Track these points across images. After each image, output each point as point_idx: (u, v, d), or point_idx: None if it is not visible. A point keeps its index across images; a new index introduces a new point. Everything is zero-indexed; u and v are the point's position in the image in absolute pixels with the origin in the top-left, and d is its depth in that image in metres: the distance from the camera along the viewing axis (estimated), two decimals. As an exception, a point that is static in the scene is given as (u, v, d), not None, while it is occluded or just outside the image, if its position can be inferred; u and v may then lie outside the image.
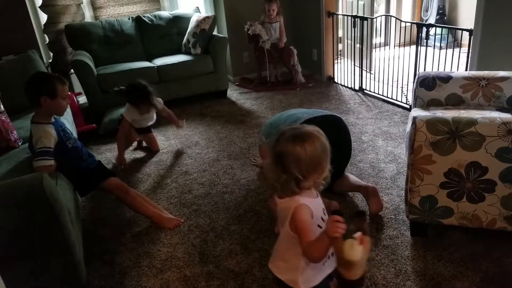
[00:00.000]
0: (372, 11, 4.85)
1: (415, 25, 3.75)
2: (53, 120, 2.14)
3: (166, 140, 3.62)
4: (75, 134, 2.81)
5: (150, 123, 3.46)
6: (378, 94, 4.20)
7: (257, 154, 3.15)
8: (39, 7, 4.34)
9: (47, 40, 4.47)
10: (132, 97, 3.19)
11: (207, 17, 4.47)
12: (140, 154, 3.39)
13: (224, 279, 1.93)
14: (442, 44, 4.98)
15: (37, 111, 2.12)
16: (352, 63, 4.69)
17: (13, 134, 2.57)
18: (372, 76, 4.61)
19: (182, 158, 3.25)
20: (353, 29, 4.37)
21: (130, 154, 3.40)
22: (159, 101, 3.33)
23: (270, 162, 1.32)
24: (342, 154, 2.52)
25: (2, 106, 2.59)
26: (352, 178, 2.49)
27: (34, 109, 2.17)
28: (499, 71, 2.45)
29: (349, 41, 4.78)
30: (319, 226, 1.30)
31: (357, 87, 4.50)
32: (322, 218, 1.33)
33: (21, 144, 2.58)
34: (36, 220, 1.62)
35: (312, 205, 1.29)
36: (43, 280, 1.74)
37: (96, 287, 1.97)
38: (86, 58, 4.07)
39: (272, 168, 1.31)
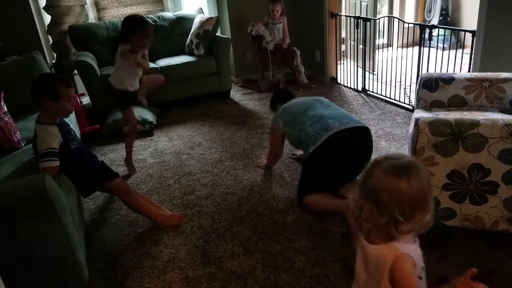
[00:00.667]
0: (375, 12, 4.84)
1: (418, 26, 3.74)
2: (58, 121, 2.15)
3: (169, 141, 3.63)
4: (78, 135, 2.82)
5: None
6: (381, 95, 4.19)
7: (259, 155, 3.15)
8: (42, 8, 4.37)
9: (51, 41, 4.49)
10: (130, 26, 2.78)
11: (211, 18, 4.48)
12: (142, 155, 3.39)
13: (226, 281, 1.93)
14: (445, 45, 4.97)
15: (42, 112, 2.12)
16: (355, 64, 4.69)
17: (16, 135, 2.58)
18: (375, 77, 4.60)
19: (185, 159, 3.26)
20: (356, 30, 4.36)
21: (133, 155, 3.40)
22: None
23: (360, 198, 1.12)
24: (365, 165, 2.47)
25: (5, 107, 2.61)
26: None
27: (38, 110, 2.18)
28: (502, 73, 2.44)
29: (352, 42, 4.78)
30: (419, 277, 1.11)
31: (360, 88, 4.49)
32: (422, 267, 1.15)
33: (24, 145, 2.60)
34: (38, 221, 1.63)
35: (413, 253, 1.11)
36: (45, 282, 1.75)
37: (99, 288, 1.98)
38: (90, 59, 4.08)
39: (363, 206, 1.10)
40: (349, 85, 4.68)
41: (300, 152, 2.98)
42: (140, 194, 2.47)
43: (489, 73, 2.47)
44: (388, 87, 4.11)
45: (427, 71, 3.63)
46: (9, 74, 3.17)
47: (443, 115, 2.33)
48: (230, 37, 4.78)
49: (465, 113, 2.35)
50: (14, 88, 2.95)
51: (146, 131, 3.87)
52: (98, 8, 4.90)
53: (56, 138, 2.06)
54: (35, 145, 2.11)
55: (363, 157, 2.39)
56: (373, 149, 3.05)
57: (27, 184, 1.64)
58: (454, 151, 1.74)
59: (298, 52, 4.70)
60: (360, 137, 2.43)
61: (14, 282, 1.13)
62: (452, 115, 2.21)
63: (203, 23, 4.46)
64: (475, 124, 1.69)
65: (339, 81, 4.88)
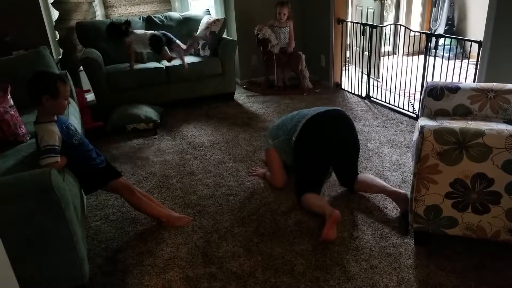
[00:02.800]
0: (381, 20, 4.86)
1: (423, 35, 3.75)
2: (55, 118, 2.15)
3: (172, 140, 3.64)
4: (79, 130, 2.82)
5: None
6: (385, 102, 4.20)
7: (257, 163, 3.16)
8: (51, 3, 4.39)
9: (58, 36, 4.51)
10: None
11: (217, 20, 4.49)
12: (145, 153, 3.40)
13: (226, 281, 1.94)
14: (450, 55, 4.99)
15: (39, 110, 2.12)
16: (360, 70, 4.70)
17: (22, 129, 2.59)
18: (379, 84, 4.61)
19: (188, 158, 3.26)
20: (362, 36, 4.38)
21: (136, 153, 3.41)
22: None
23: None
24: (353, 150, 2.57)
25: (11, 101, 2.62)
26: (377, 180, 2.49)
27: (37, 107, 2.17)
28: (508, 84, 2.45)
29: (358, 49, 4.79)
30: None
31: (364, 95, 4.50)
32: None
33: (29, 138, 2.60)
34: (42, 214, 1.64)
35: None
36: (46, 275, 1.76)
37: (99, 284, 1.98)
38: (96, 55, 4.10)
39: None
40: (353, 91, 4.69)
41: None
42: (143, 193, 2.47)
43: (494, 84, 2.48)
44: (392, 94, 4.12)
45: (432, 80, 3.64)
46: (16, 68, 3.18)
47: (447, 124, 2.34)
48: (236, 39, 4.80)
49: (470, 122, 2.36)
50: (20, 82, 2.93)
51: (150, 129, 3.88)
52: (106, 5, 4.92)
53: (55, 135, 2.06)
54: (38, 146, 2.11)
55: (347, 138, 2.53)
56: (376, 155, 3.07)
57: (33, 178, 1.65)
58: (458, 160, 1.75)
59: (304, 57, 4.71)
60: (337, 117, 2.57)
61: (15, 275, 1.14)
62: (457, 124, 2.22)
63: (210, 25, 4.47)
64: (480, 133, 1.70)
65: (343, 87, 4.89)
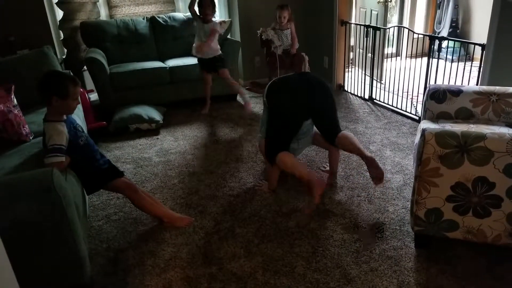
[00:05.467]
0: (385, 21, 4.85)
1: (427, 37, 3.75)
2: (64, 117, 2.16)
3: (175, 141, 3.65)
4: (85, 131, 2.83)
5: (210, 53, 4.10)
6: (388, 104, 4.20)
7: (259, 164, 3.16)
8: (55, 3, 4.41)
9: (62, 36, 4.53)
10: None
11: (224, 22, 4.50)
12: (148, 153, 3.41)
13: (227, 282, 1.94)
14: (454, 57, 4.98)
15: (48, 109, 2.14)
16: (363, 72, 4.69)
17: (25, 128, 2.60)
18: (382, 86, 4.61)
19: (190, 159, 3.27)
20: (365, 38, 4.37)
21: (139, 153, 3.43)
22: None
23: None
24: (324, 105, 2.61)
25: (15, 100, 2.63)
26: (354, 140, 2.53)
27: (46, 105, 2.19)
28: (511, 87, 2.45)
29: (361, 50, 4.79)
30: None
31: (366, 97, 4.50)
32: None
33: (32, 138, 2.62)
34: (44, 214, 1.64)
35: None
36: (48, 275, 1.76)
37: (100, 284, 1.99)
38: (100, 56, 4.12)
39: None
40: (356, 93, 4.68)
41: (328, 167, 2.97)
42: (146, 193, 2.48)
43: (497, 87, 2.48)
44: (395, 96, 4.12)
45: (435, 82, 3.63)
46: (20, 68, 3.20)
47: (449, 127, 2.33)
48: (240, 40, 4.80)
49: (472, 126, 2.35)
50: (24, 81, 2.97)
51: (153, 130, 3.89)
52: (110, 6, 4.94)
53: (63, 135, 2.07)
54: (44, 144, 2.13)
55: (313, 91, 2.56)
56: (378, 157, 3.07)
57: (35, 177, 1.66)
58: (459, 163, 1.75)
59: (307, 58, 4.71)
60: (303, 75, 2.76)
61: (15, 275, 1.14)
62: (458, 128, 2.22)
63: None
64: (481, 137, 1.70)
65: (346, 88, 4.89)
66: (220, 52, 4.21)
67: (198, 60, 4.25)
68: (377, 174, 2.39)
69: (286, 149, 2.51)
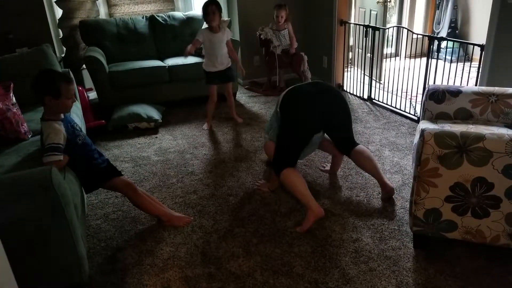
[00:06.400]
0: (384, 22, 4.86)
1: (426, 38, 3.75)
2: (62, 116, 2.16)
3: (174, 140, 3.64)
4: (84, 130, 2.83)
5: (225, 62, 3.73)
6: (387, 104, 4.20)
7: (263, 159, 3.16)
8: (55, 1, 4.41)
9: (61, 34, 4.52)
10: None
11: (223, 21, 4.49)
12: (146, 152, 3.41)
13: (225, 281, 1.94)
14: (452, 58, 4.98)
15: (45, 108, 2.13)
16: (362, 72, 4.70)
17: (24, 126, 2.59)
18: (381, 86, 4.61)
19: (189, 158, 3.27)
20: (364, 38, 4.38)
21: (137, 152, 3.42)
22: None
23: None
24: (340, 115, 2.57)
25: (14, 98, 2.63)
26: (374, 162, 2.57)
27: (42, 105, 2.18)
28: (509, 88, 2.45)
29: (360, 50, 4.79)
30: None
31: (365, 96, 4.50)
32: None
33: (31, 136, 2.61)
34: (43, 212, 1.64)
35: None
36: (46, 274, 1.76)
37: (98, 283, 1.99)
38: (99, 54, 4.11)
39: None
40: (355, 93, 4.68)
41: (328, 166, 2.97)
42: (145, 192, 2.48)
43: (496, 88, 2.48)
44: (394, 96, 4.12)
45: (434, 82, 3.63)
46: (19, 66, 3.19)
47: (448, 127, 2.34)
48: (239, 40, 4.80)
49: (471, 126, 2.36)
50: (23, 79, 2.95)
51: (151, 128, 3.89)
52: (110, 4, 4.94)
53: (61, 134, 2.06)
54: (42, 143, 2.12)
55: (331, 103, 2.52)
56: (377, 157, 3.07)
57: (34, 176, 1.66)
58: (458, 164, 1.75)
59: (306, 58, 4.71)
60: (319, 85, 2.59)
61: (14, 274, 1.14)
62: (457, 128, 2.22)
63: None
64: (480, 138, 1.70)
65: (345, 88, 4.89)
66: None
67: (208, 74, 3.79)
68: (387, 198, 2.56)
69: (294, 163, 2.46)
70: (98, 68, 3.99)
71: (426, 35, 3.90)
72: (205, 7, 3.54)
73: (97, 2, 4.67)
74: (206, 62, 3.75)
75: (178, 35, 4.70)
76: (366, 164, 2.55)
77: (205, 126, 3.90)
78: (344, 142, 2.62)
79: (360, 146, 2.58)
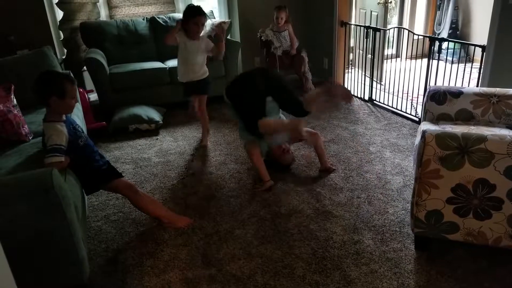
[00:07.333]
0: (385, 23, 4.85)
1: (427, 39, 3.74)
2: (64, 118, 2.16)
3: (174, 141, 3.64)
4: (85, 132, 2.83)
5: (199, 72, 3.36)
6: (387, 105, 4.20)
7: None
8: (55, 4, 4.41)
9: (62, 36, 4.52)
10: (185, 13, 3.19)
11: (224, 22, 4.49)
12: (147, 153, 3.41)
13: (226, 283, 1.94)
14: (454, 59, 4.98)
15: (47, 110, 2.13)
16: (363, 73, 4.69)
17: (24, 128, 2.59)
18: (382, 87, 4.61)
19: (189, 159, 3.27)
20: (365, 39, 4.37)
21: (138, 154, 3.42)
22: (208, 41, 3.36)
23: None
24: (278, 88, 2.82)
25: (15, 100, 2.63)
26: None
27: (44, 106, 2.18)
28: (511, 89, 2.45)
29: (361, 51, 4.78)
30: None
31: (366, 98, 4.50)
32: None
33: (32, 138, 2.61)
34: (43, 214, 1.64)
35: None
36: (46, 275, 1.76)
37: (99, 284, 1.99)
38: (99, 56, 4.11)
39: None
40: (356, 94, 4.68)
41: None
42: (146, 194, 2.48)
43: (497, 89, 2.48)
44: (395, 98, 4.12)
45: (435, 83, 3.63)
46: (20, 68, 3.19)
47: (450, 128, 2.33)
48: (240, 41, 4.80)
49: (472, 127, 2.35)
50: (24, 81, 2.95)
51: (152, 130, 3.89)
52: (110, 6, 4.94)
53: (63, 135, 2.06)
54: (44, 144, 2.12)
55: (270, 77, 2.85)
56: (378, 159, 3.07)
57: (34, 177, 1.65)
58: (460, 165, 1.74)
59: (306, 59, 4.71)
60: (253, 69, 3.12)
61: (14, 276, 1.14)
62: (459, 129, 2.22)
63: (215, 27, 4.46)
64: (482, 139, 1.69)
65: (346, 89, 4.88)
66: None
67: (184, 86, 3.45)
68: (343, 93, 2.95)
69: (262, 115, 2.73)
70: (98, 69, 3.99)
71: (427, 36, 3.90)
72: (192, 15, 3.12)
73: (97, 4, 4.68)
74: (178, 69, 3.41)
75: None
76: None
77: (203, 143, 3.55)
78: (295, 108, 2.83)
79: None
